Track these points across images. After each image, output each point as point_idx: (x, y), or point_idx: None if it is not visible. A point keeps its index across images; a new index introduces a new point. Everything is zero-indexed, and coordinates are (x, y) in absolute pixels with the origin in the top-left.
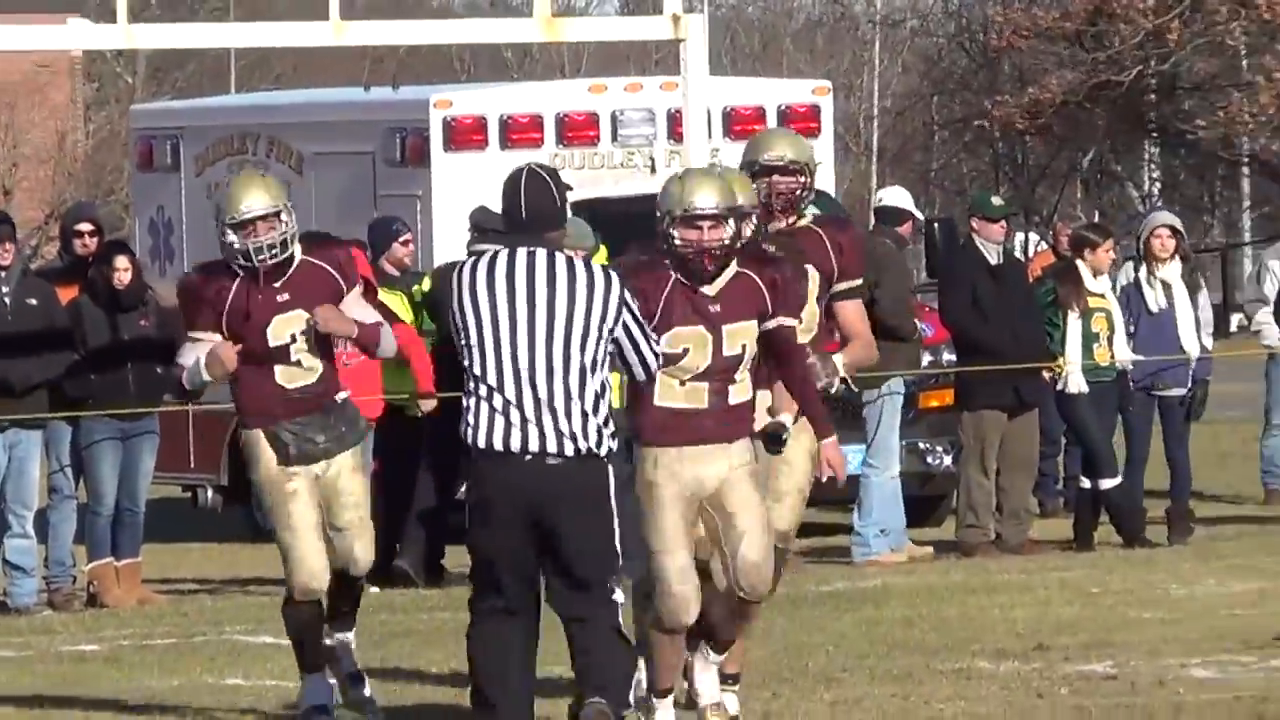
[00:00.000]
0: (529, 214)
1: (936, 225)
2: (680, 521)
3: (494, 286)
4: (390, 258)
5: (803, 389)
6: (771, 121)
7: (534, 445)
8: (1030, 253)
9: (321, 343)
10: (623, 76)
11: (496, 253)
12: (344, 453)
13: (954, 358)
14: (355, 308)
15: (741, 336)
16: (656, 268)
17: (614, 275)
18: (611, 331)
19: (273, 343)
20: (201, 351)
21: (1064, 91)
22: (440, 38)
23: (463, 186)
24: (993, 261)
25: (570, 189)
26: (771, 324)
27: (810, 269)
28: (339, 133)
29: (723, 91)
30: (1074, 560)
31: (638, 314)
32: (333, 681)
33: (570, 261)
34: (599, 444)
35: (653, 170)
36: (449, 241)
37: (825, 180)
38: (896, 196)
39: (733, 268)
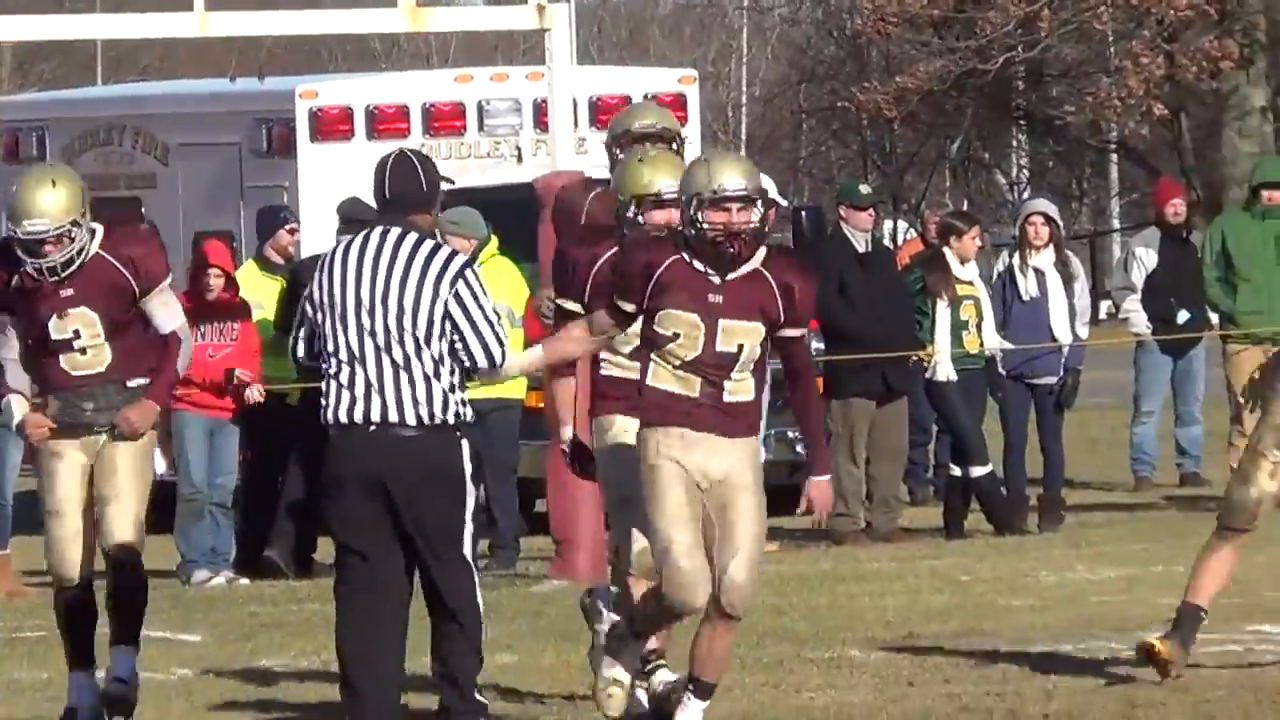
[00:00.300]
0: (391, 195)
1: (804, 213)
2: (683, 499)
3: (346, 267)
4: (275, 245)
5: (805, 415)
6: None
7: (376, 415)
8: (899, 241)
9: (115, 332)
10: (489, 67)
11: (353, 237)
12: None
13: (822, 346)
14: (158, 310)
15: (740, 336)
16: (663, 244)
17: (455, 261)
18: (445, 314)
19: (55, 336)
20: (16, 391)
21: (932, 79)
22: (304, 28)
23: (329, 177)
24: (860, 249)
25: (449, 180)
26: (785, 334)
27: None
28: (205, 124)
29: (589, 81)
30: (944, 548)
31: (474, 304)
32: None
33: (418, 241)
34: (444, 411)
35: (519, 159)
36: (316, 231)
37: None
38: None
39: (755, 261)
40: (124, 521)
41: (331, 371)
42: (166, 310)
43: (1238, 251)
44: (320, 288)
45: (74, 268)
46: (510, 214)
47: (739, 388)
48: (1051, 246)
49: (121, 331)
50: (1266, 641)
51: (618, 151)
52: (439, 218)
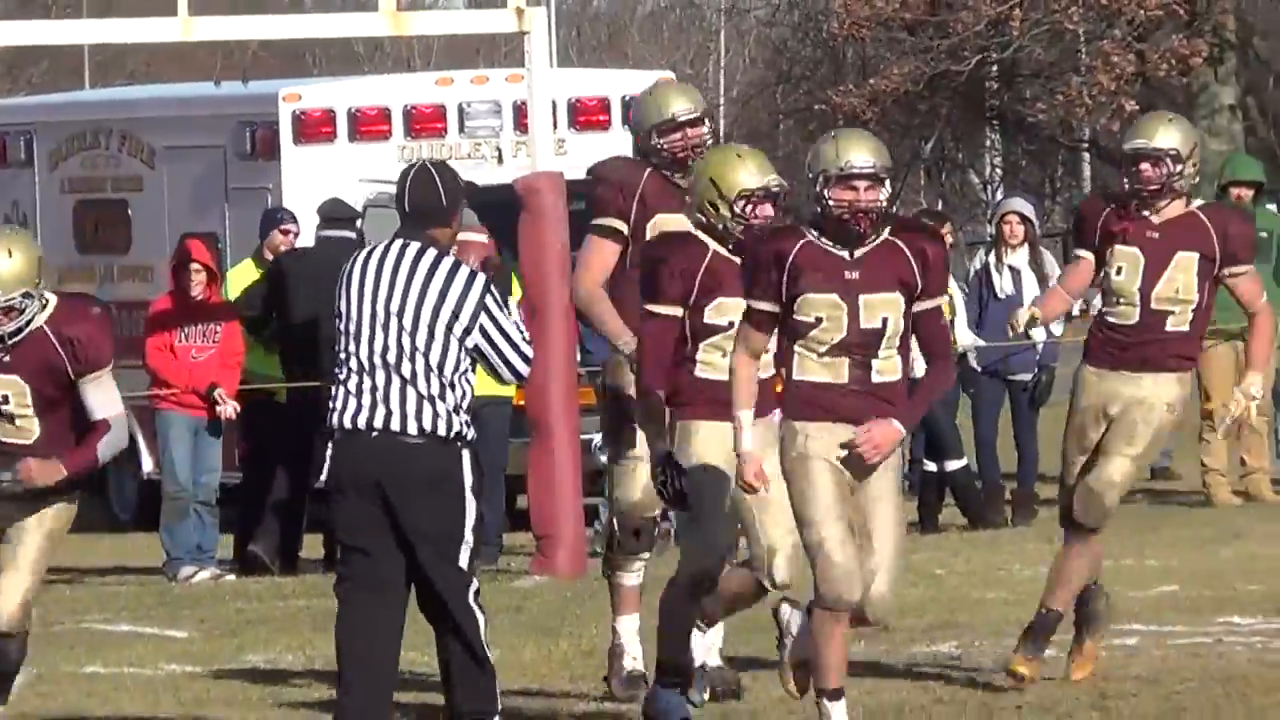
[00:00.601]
0: (410, 209)
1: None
2: (834, 491)
3: (365, 278)
4: (269, 244)
5: (929, 385)
6: (615, 112)
7: (379, 423)
8: None
9: (45, 408)
10: (470, 70)
11: (373, 248)
12: (27, 510)
13: None
14: (92, 393)
15: (882, 309)
16: (786, 230)
17: (479, 281)
18: (467, 331)
19: None
20: None
21: (905, 80)
22: (286, 32)
23: (312, 178)
24: None
25: (471, 187)
26: (922, 305)
27: None
28: (190, 127)
29: (568, 83)
30: (919, 542)
31: (501, 319)
32: None
33: (437, 259)
34: (445, 429)
35: (500, 161)
36: (314, 232)
37: None
38: None
39: (884, 232)
40: (12, 596)
41: (341, 377)
42: (101, 395)
43: None
44: (339, 297)
45: (19, 337)
46: (491, 215)
47: (886, 366)
48: (1026, 245)
49: (53, 409)
50: (1235, 633)
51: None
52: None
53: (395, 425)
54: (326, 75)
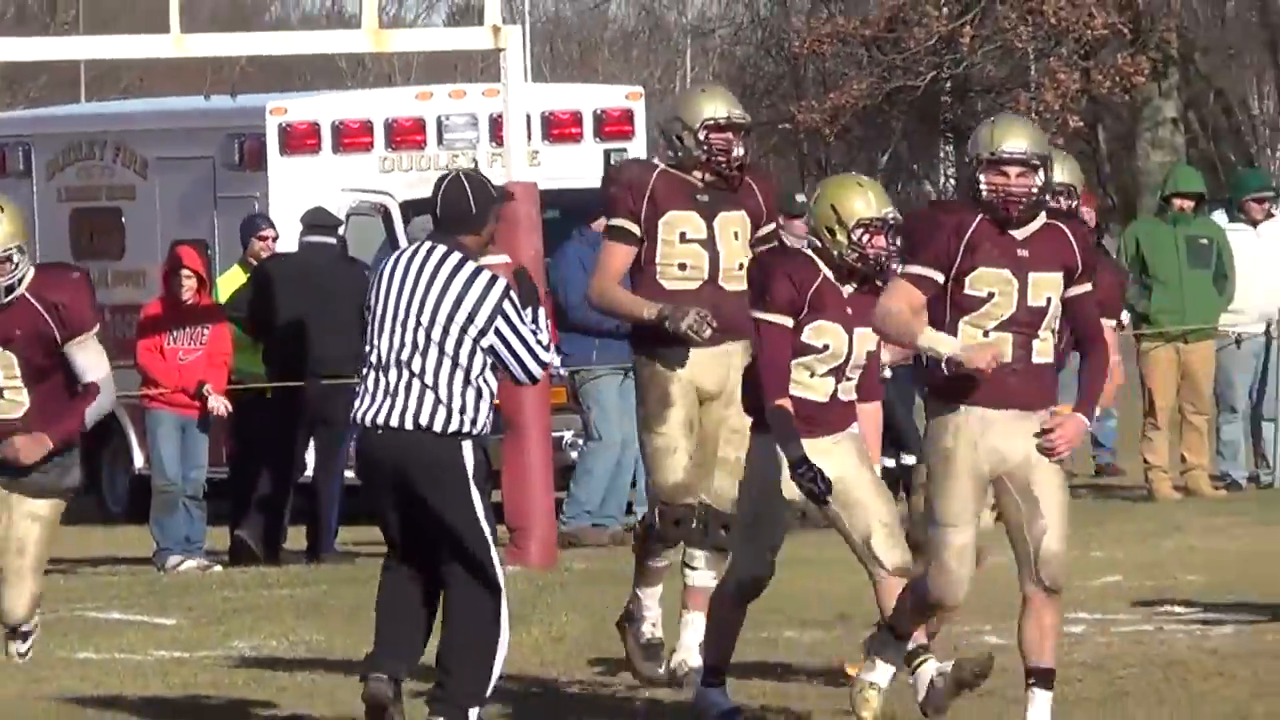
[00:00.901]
0: (441, 215)
1: None
2: (971, 495)
3: (392, 279)
4: (251, 250)
5: (1092, 376)
6: (587, 125)
7: (389, 419)
8: None
9: (35, 378)
10: (448, 84)
11: (403, 251)
12: (22, 494)
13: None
14: (79, 355)
15: (1047, 288)
16: (961, 207)
17: (498, 285)
18: (482, 333)
19: None
20: None
21: (864, 95)
22: (274, 49)
23: (298, 188)
24: None
25: (508, 196)
26: (1077, 290)
27: None
28: (181, 138)
29: (542, 97)
30: None
31: (518, 323)
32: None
33: (460, 263)
34: (444, 424)
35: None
36: (285, 239)
37: None
38: None
39: (1041, 219)
40: (20, 601)
41: (363, 373)
42: (89, 357)
43: (1151, 255)
44: (369, 294)
45: (9, 298)
46: None
47: (1044, 348)
48: None
49: (42, 379)
50: (1176, 621)
51: (691, 138)
52: (414, 223)
53: (399, 421)
54: (311, 90)
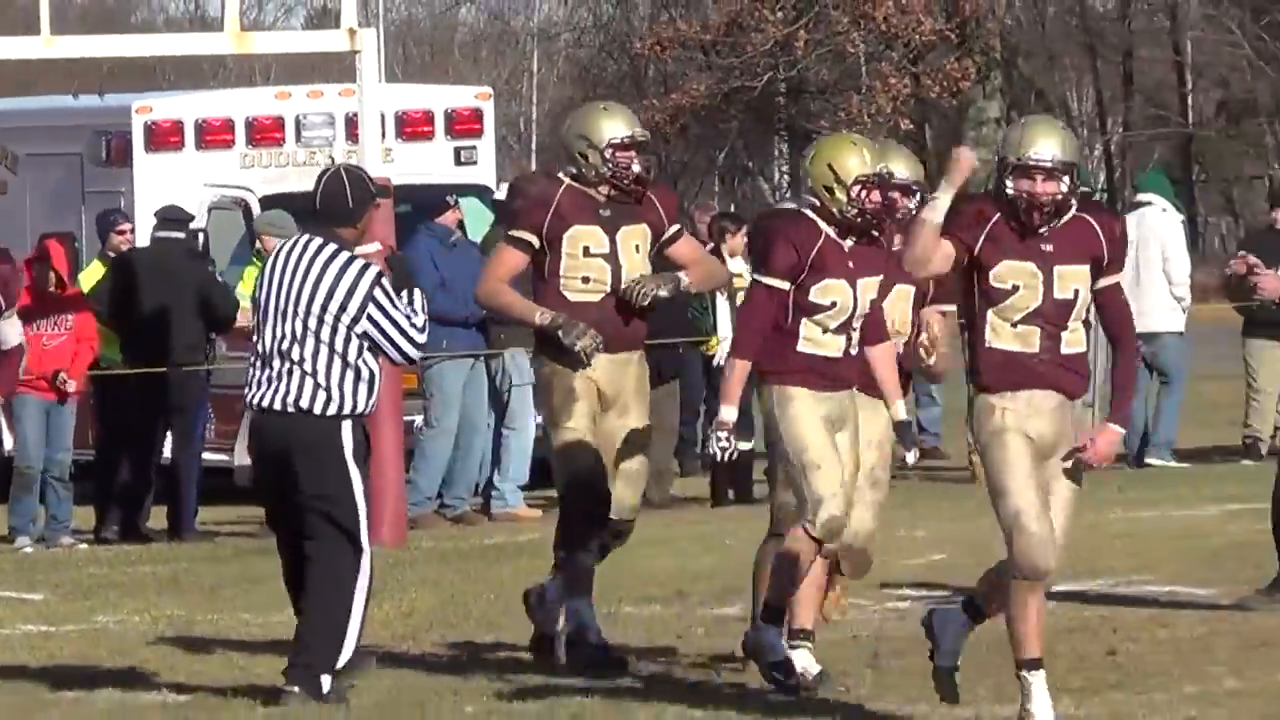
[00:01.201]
0: (320, 208)
1: None
2: (1029, 463)
3: (274, 270)
4: (110, 244)
5: (1123, 372)
6: (439, 124)
7: (272, 402)
8: None
9: None
10: (306, 84)
11: (284, 243)
12: None
13: None
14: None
15: (1074, 280)
16: (985, 202)
17: (369, 273)
18: (355, 320)
19: None
20: None
21: (703, 96)
22: (142, 50)
23: (162, 183)
24: None
25: (379, 191)
26: (1105, 281)
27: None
28: (50, 136)
29: (395, 97)
30: (710, 515)
31: (389, 308)
32: None
33: (335, 254)
34: (323, 406)
35: None
36: (150, 232)
37: (487, 177)
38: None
39: (1071, 209)
40: None
41: (251, 360)
42: (10, 326)
43: None
44: (256, 286)
45: None
46: None
47: (1074, 339)
48: None
49: None
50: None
51: (597, 155)
52: (258, 219)
53: (282, 405)
54: (175, 89)
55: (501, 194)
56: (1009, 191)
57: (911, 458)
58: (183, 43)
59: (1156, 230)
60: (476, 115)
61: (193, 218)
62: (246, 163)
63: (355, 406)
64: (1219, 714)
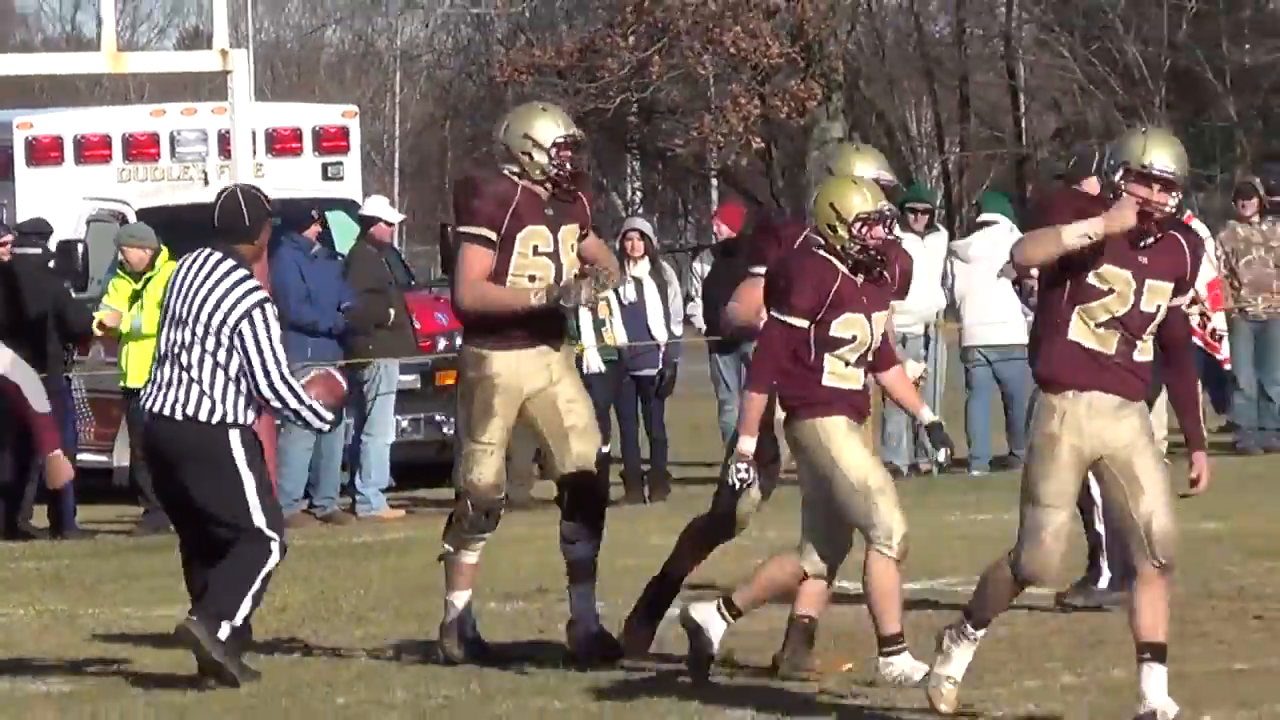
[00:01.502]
0: (219, 224)
1: (448, 229)
2: (1072, 480)
3: (175, 280)
4: None
5: (1183, 390)
6: (307, 140)
7: (161, 408)
8: None
9: None
10: (180, 102)
11: (187, 256)
12: None
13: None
14: None
15: (1159, 296)
16: (1095, 201)
17: (254, 295)
18: (232, 333)
19: None
20: None
21: None
22: (23, 69)
23: (43, 196)
24: None
25: (272, 209)
26: (1175, 300)
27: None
28: None
29: (265, 115)
30: None
31: (262, 336)
32: None
33: (231, 270)
34: (209, 414)
35: (206, 182)
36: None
37: (353, 191)
38: (372, 205)
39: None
40: None
41: (152, 366)
42: None
43: None
44: (163, 293)
45: None
46: (200, 230)
47: (1146, 349)
48: (647, 258)
49: None
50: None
51: (544, 154)
52: (119, 232)
53: (171, 411)
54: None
55: (370, 208)
56: (1124, 196)
57: (943, 456)
58: (64, 62)
59: (1004, 248)
60: (343, 132)
61: (52, 231)
62: (123, 177)
63: (239, 418)
64: (1056, 707)
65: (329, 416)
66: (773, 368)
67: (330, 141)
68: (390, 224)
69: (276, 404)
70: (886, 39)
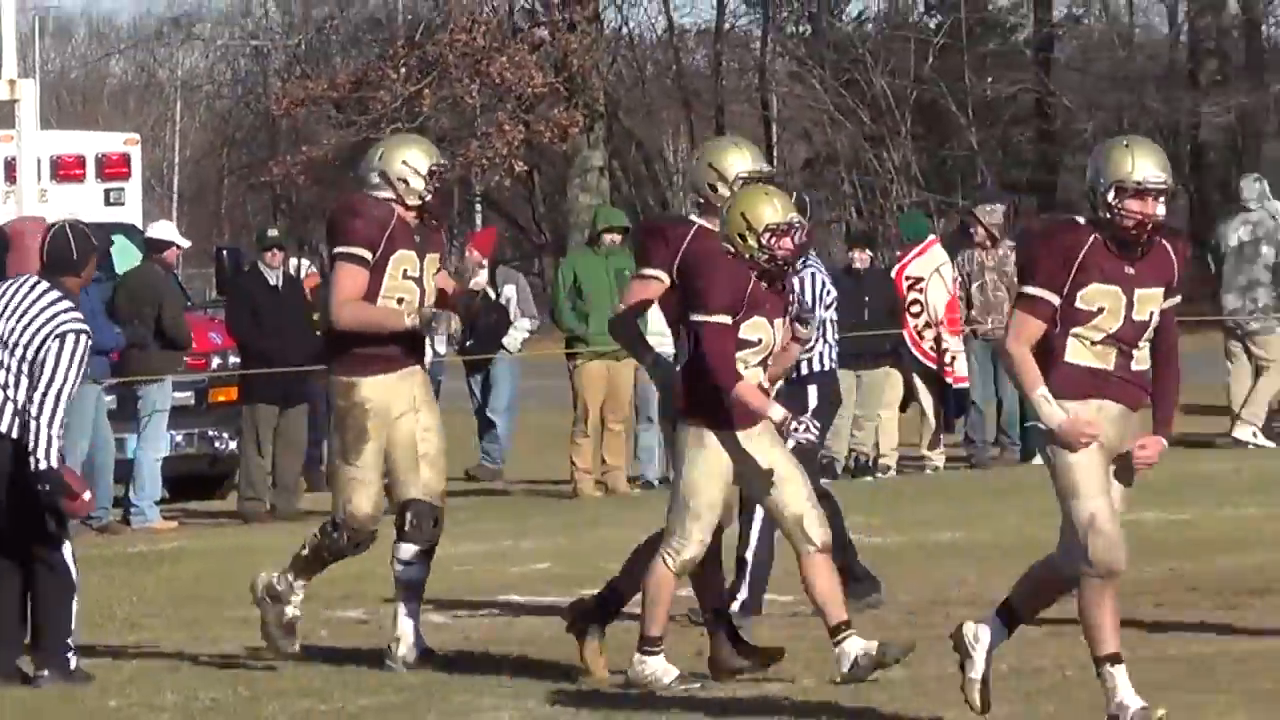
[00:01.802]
0: (48, 258)
1: (225, 252)
2: (1102, 466)
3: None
4: None
5: (1164, 384)
6: (90, 167)
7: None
8: (303, 274)
9: None
10: None
11: (12, 281)
12: None
13: (239, 361)
14: None
15: (1150, 303)
16: (1076, 227)
17: (70, 324)
18: (36, 354)
19: None
20: None
21: (332, 148)
22: None
23: None
24: (272, 282)
25: (97, 246)
26: (1167, 303)
27: None
28: None
29: (49, 142)
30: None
31: (60, 370)
32: None
33: (55, 300)
34: (20, 431)
35: None
36: None
37: (134, 216)
38: (162, 229)
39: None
40: None
41: None
42: None
43: (586, 284)
44: None
45: None
46: None
47: (1142, 357)
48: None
49: None
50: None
51: (421, 182)
52: None
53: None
54: None
55: (159, 232)
56: (1122, 214)
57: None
58: None
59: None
60: (125, 159)
61: None
62: None
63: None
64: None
65: (55, 468)
66: (728, 362)
67: (113, 168)
68: (181, 248)
69: (34, 418)
70: (647, 71)
